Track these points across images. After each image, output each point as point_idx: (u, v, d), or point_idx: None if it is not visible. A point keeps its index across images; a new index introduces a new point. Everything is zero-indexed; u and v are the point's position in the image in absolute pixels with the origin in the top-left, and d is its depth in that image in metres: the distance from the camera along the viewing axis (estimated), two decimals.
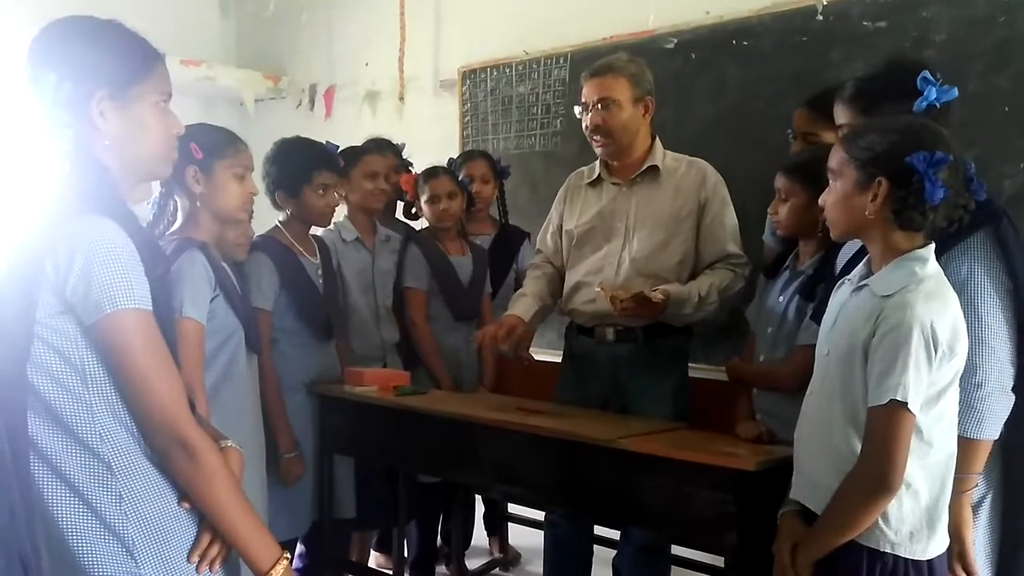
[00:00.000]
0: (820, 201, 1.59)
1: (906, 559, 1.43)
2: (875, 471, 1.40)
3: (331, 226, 2.81)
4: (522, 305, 2.52)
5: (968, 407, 1.53)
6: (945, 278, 1.47)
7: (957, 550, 1.57)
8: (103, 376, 1.19)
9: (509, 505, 3.39)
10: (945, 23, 2.60)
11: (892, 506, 1.41)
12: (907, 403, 1.37)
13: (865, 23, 2.75)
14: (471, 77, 3.89)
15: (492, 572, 3.32)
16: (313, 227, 2.64)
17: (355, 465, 2.67)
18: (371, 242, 2.87)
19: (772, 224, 2.10)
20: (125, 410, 1.20)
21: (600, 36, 3.40)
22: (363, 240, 2.84)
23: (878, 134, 1.47)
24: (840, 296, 1.59)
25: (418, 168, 3.09)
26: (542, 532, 2.65)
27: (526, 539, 3.36)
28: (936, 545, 1.46)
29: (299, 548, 2.64)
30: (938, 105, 1.59)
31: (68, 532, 1.17)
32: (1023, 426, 1.61)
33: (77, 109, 1.23)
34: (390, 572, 2.89)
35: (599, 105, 2.38)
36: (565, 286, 2.56)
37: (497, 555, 3.40)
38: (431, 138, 3.83)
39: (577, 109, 2.48)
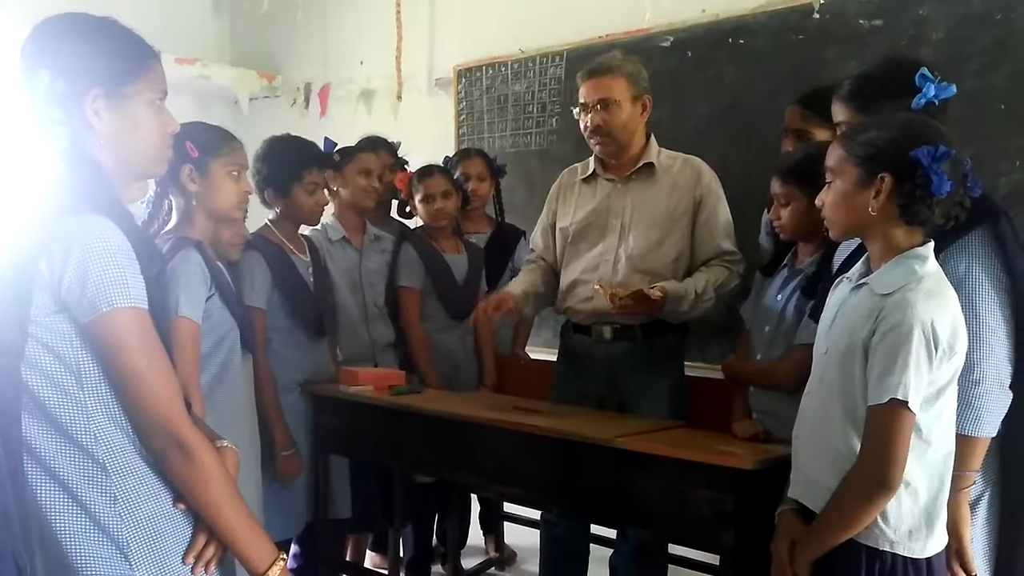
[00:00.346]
0: (818, 201, 1.58)
1: (905, 557, 1.43)
2: (875, 470, 1.39)
3: (318, 226, 2.80)
4: (511, 287, 2.54)
5: (966, 404, 1.53)
6: (944, 276, 1.47)
7: (955, 548, 1.57)
8: (98, 376, 1.18)
9: (505, 504, 3.39)
10: (941, 21, 2.60)
11: (891, 505, 1.41)
12: (907, 402, 1.37)
13: (861, 21, 2.75)
14: (467, 75, 3.89)
15: (488, 571, 3.31)
16: (302, 226, 2.64)
17: (350, 465, 2.66)
18: (359, 241, 2.86)
19: (775, 228, 2.08)
20: (120, 410, 1.19)
21: (596, 34, 3.40)
22: (350, 239, 2.83)
23: (878, 131, 1.47)
24: (838, 294, 1.59)
25: (413, 167, 3.08)
26: (538, 531, 2.64)
27: (522, 538, 3.36)
28: (935, 543, 1.46)
29: (294, 548, 2.63)
30: (936, 102, 1.59)
31: (62, 534, 1.16)
32: (1020, 423, 1.60)
33: (71, 107, 1.22)
34: (386, 572, 2.89)
35: (599, 106, 2.38)
36: (560, 284, 2.56)
37: (493, 554, 3.39)
38: (427, 136, 3.83)
39: (575, 110, 2.47)
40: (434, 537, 3.20)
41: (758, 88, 2.96)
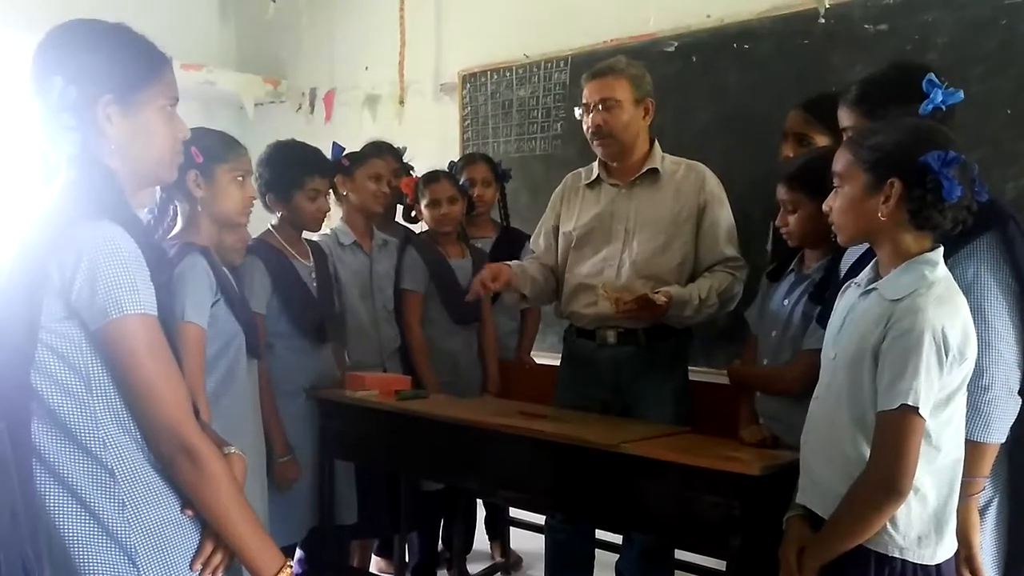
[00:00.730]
0: (825, 207, 1.57)
1: (914, 564, 1.42)
2: (885, 476, 1.39)
3: (327, 231, 2.81)
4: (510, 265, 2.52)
5: (975, 410, 1.52)
6: (954, 281, 1.46)
7: (965, 554, 1.56)
8: (107, 382, 1.18)
9: (510, 509, 3.38)
10: (946, 26, 2.60)
11: (900, 511, 1.41)
12: (918, 408, 1.36)
13: (867, 26, 2.74)
14: (471, 80, 3.89)
15: None
16: (305, 232, 2.64)
17: (356, 470, 2.66)
18: (368, 246, 2.86)
19: (782, 234, 2.07)
20: (129, 416, 1.19)
21: (600, 39, 3.39)
22: (360, 244, 2.83)
23: (886, 136, 1.47)
24: (847, 300, 1.59)
25: (418, 172, 3.08)
26: (544, 536, 2.64)
27: (528, 543, 3.35)
28: (944, 550, 1.45)
29: (298, 554, 2.62)
30: (944, 108, 1.58)
31: (69, 539, 1.16)
32: None
33: (83, 114, 1.22)
34: None
35: (600, 106, 2.39)
36: (564, 288, 2.56)
37: (499, 560, 3.39)
38: (431, 142, 3.83)
39: (578, 111, 2.48)
40: (440, 542, 3.20)
41: (763, 93, 2.96)
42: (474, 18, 3.92)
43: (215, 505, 1.20)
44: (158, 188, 2.01)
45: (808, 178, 1.96)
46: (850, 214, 1.51)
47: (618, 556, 2.64)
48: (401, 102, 4.19)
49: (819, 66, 2.82)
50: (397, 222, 3.19)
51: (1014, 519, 1.64)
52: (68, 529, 1.16)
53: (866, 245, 1.64)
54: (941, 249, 1.47)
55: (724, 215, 2.44)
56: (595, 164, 2.56)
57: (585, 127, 2.46)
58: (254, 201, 2.13)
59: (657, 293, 2.27)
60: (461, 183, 2.98)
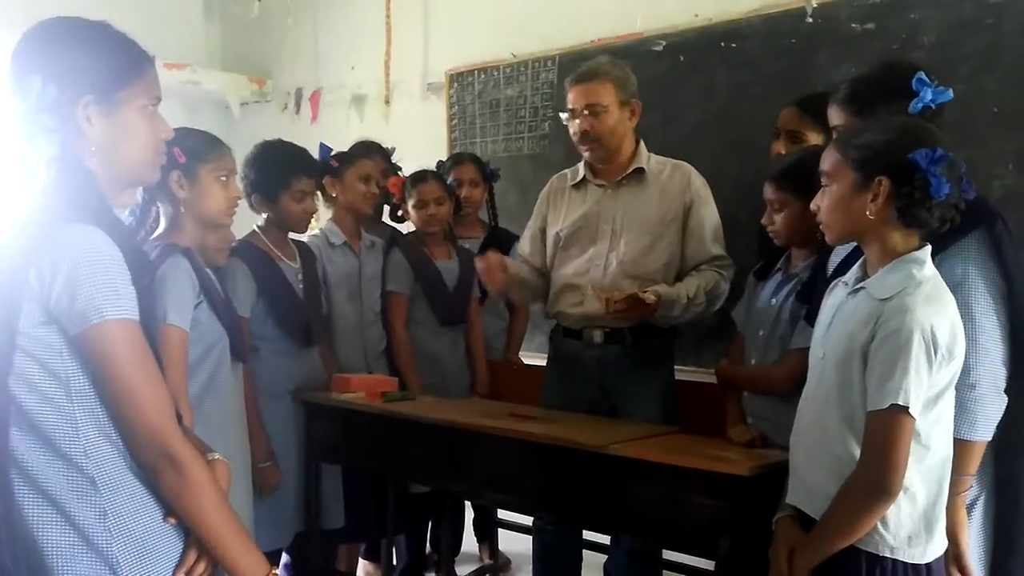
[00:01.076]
0: (813, 205, 1.57)
1: (905, 563, 1.42)
2: (875, 476, 1.38)
3: (316, 231, 2.78)
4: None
5: (961, 408, 1.52)
6: (942, 280, 1.46)
7: (953, 552, 1.56)
8: (88, 388, 1.16)
9: (499, 511, 3.37)
10: (933, 25, 2.61)
11: (890, 510, 1.40)
12: (908, 407, 1.36)
13: (853, 25, 2.75)
14: (458, 80, 3.88)
15: None
16: (292, 233, 2.61)
17: (342, 473, 2.63)
18: (358, 247, 2.84)
19: (768, 233, 2.08)
20: (110, 423, 1.17)
21: (588, 39, 3.39)
22: (350, 244, 2.81)
23: (875, 134, 1.46)
24: (835, 299, 1.58)
25: (406, 172, 3.06)
26: (531, 537, 2.62)
27: (517, 545, 3.34)
28: (934, 548, 1.45)
29: (284, 558, 2.60)
30: (933, 106, 1.58)
31: (48, 550, 1.13)
32: (1015, 427, 1.60)
33: (63, 114, 1.19)
34: None
35: (586, 111, 2.38)
36: (551, 289, 2.55)
37: (487, 561, 3.38)
38: (418, 141, 3.81)
39: (563, 115, 2.47)
40: (428, 545, 3.18)
41: (750, 92, 2.96)
42: (461, 17, 3.90)
43: (198, 513, 1.18)
44: (140, 189, 1.98)
45: (795, 177, 1.96)
46: (838, 213, 1.51)
47: (606, 557, 2.63)
48: (388, 102, 4.17)
49: (806, 65, 2.82)
50: (384, 222, 3.17)
51: (1001, 517, 1.64)
52: (47, 539, 1.13)
53: (853, 244, 1.64)
54: (929, 248, 1.47)
55: (710, 214, 2.45)
56: (581, 165, 2.56)
57: (571, 132, 2.45)
58: (239, 201, 2.11)
59: (646, 292, 2.27)
60: (449, 183, 2.97)
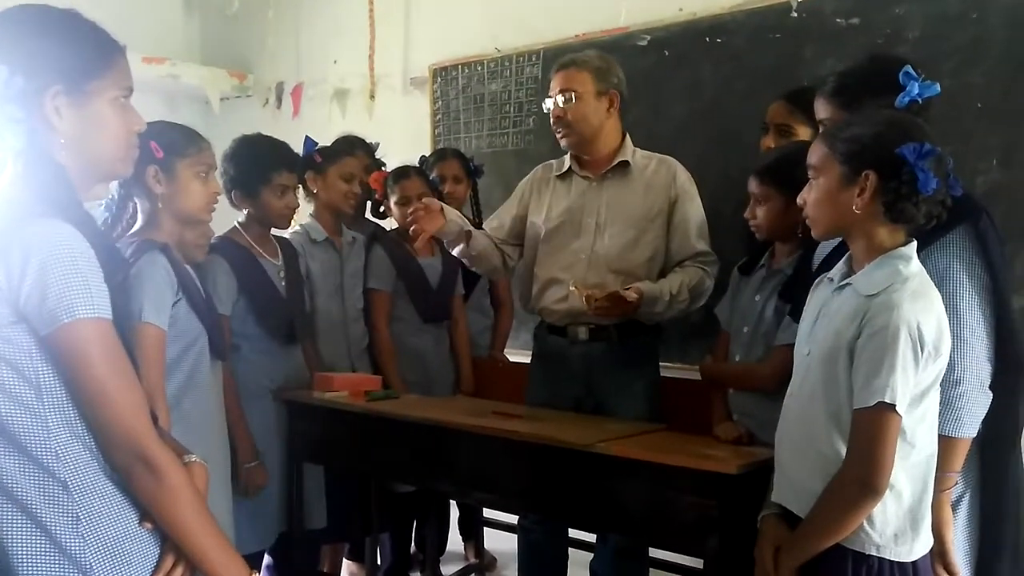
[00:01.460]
0: (800, 200, 1.56)
1: (891, 561, 1.41)
2: (861, 474, 1.37)
3: (298, 227, 2.75)
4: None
5: (946, 405, 1.51)
6: (928, 276, 1.45)
7: (938, 550, 1.55)
8: (59, 390, 1.12)
9: (484, 509, 3.35)
10: (918, 20, 2.60)
11: (876, 508, 1.39)
12: (894, 405, 1.35)
13: (838, 20, 2.74)
14: (442, 75, 3.84)
15: None
16: (274, 229, 2.58)
17: (325, 473, 2.61)
18: (339, 243, 2.81)
19: (750, 227, 2.07)
20: (83, 425, 1.13)
21: (572, 33, 3.37)
22: (332, 241, 2.78)
23: (862, 128, 1.45)
24: (820, 295, 1.57)
25: (389, 167, 3.03)
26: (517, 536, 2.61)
27: (502, 543, 3.32)
28: (920, 546, 1.44)
29: (266, 560, 2.57)
30: (920, 100, 1.57)
31: (18, 558, 1.09)
32: (1000, 423, 1.60)
33: (30, 105, 1.16)
34: None
35: (560, 97, 2.39)
36: (534, 284, 2.53)
37: (472, 560, 3.36)
38: (402, 137, 3.78)
39: (546, 103, 2.47)
40: (412, 544, 3.16)
41: (736, 87, 2.95)
42: (445, 11, 3.87)
43: (175, 517, 1.15)
44: (116, 184, 1.94)
45: (779, 171, 1.95)
46: (825, 207, 1.49)
47: (592, 555, 2.62)
48: (371, 96, 4.13)
49: (791, 60, 2.81)
50: (366, 218, 3.14)
51: (986, 514, 1.64)
52: (16, 547, 1.10)
53: (837, 240, 1.63)
54: (915, 243, 1.46)
55: (695, 210, 2.44)
56: (566, 157, 2.54)
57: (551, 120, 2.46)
58: (218, 197, 2.07)
59: (628, 289, 2.25)
60: (432, 179, 2.94)
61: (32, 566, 1.09)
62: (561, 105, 2.39)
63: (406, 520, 3.04)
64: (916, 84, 1.57)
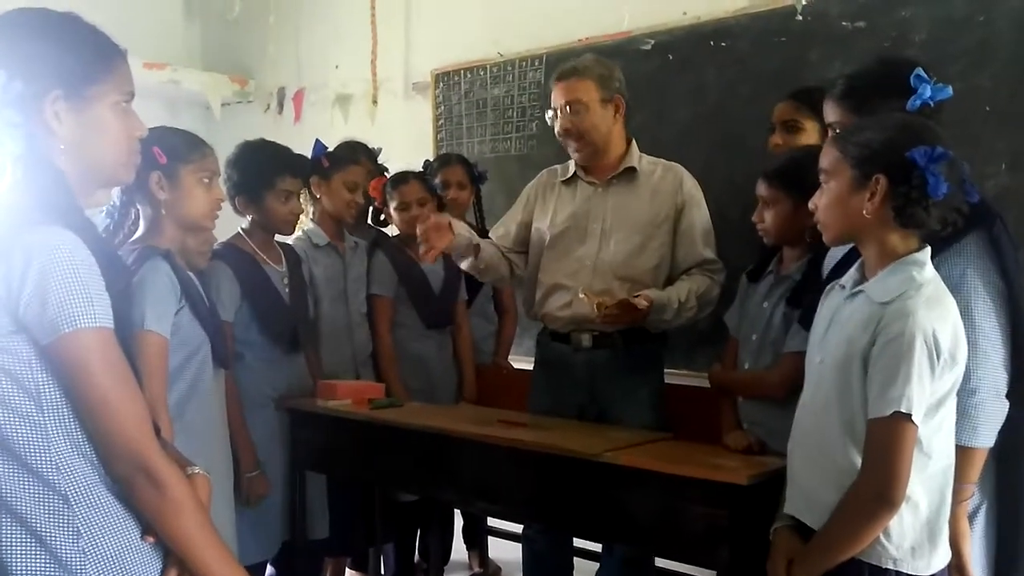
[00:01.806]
0: (811, 204, 1.54)
1: (909, 575, 1.39)
2: (878, 485, 1.35)
3: (300, 233, 2.73)
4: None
5: (963, 414, 1.49)
6: (943, 283, 1.43)
7: (955, 563, 1.53)
8: (60, 400, 1.10)
9: (489, 518, 3.32)
10: (924, 23, 2.58)
11: (893, 520, 1.37)
12: (910, 415, 1.33)
13: (844, 23, 2.72)
14: (444, 79, 3.82)
15: None
16: (278, 235, 2.55)
17: (328, 483, 2.58)
18: (342, 248, 2.79)
19: (758, 231, 2.05)
20: (84, 437, 1.11)
21: (575, 37, 3.35)
22: (335, 246, 2.76)
23: (873, 131, 1.43)
24: (832, 302, 1.55)
25: (391, 173, 3.00)
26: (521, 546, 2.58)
27: (507, 552, 3.29)
28: (938, 559, 1.42)
29: (269, 571, 2.54)
30: (932, 104, 1.55)
31: (16, 573, 1.07)
32: (1017, 432, 1.57)
33: (29, 109, 1.14)
34: None
35: (567, 109, 2.35)
36: (537, 290, 2.51)
37: (477, 570, 3.33)
38: (404, 142, 3.75)
39: (548, 114, 2.45)
40: (416, 553, 3.13)
41: (741, 91, 2.93)
42: (447, 16, 3.85)
43: (178, 530, 1.13)
44: (118, 190, 1.92)
45: (788, 174, 1.93)
46: (836, 211, 1.47)
47: (598, 565, 2.59)
48: (373, 101, 4.12)
49: (797, 64, 2.79)
50: (368, 224, 3.11)
51: (1004, 525, 1.61)
52: (15, 562, 1.07)
53: (847, 246, 1.61)
54: (928, 249, 1.44)
55: (701, 217, 2.42)
56: (571, 162, 2.52)
57: (556, 131, 2.43)
58: (221, 203, 2.05)
59: (637, 297, 2.23)
60: (433, 184, 2.91)
61: None
62: (569, 118, 2.35)
63: (410, 529, 3.01)
64: (928, 87, 1.55)
